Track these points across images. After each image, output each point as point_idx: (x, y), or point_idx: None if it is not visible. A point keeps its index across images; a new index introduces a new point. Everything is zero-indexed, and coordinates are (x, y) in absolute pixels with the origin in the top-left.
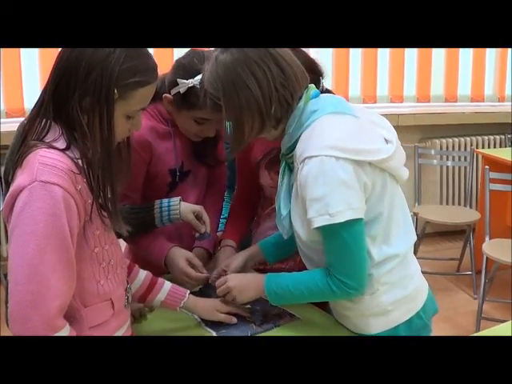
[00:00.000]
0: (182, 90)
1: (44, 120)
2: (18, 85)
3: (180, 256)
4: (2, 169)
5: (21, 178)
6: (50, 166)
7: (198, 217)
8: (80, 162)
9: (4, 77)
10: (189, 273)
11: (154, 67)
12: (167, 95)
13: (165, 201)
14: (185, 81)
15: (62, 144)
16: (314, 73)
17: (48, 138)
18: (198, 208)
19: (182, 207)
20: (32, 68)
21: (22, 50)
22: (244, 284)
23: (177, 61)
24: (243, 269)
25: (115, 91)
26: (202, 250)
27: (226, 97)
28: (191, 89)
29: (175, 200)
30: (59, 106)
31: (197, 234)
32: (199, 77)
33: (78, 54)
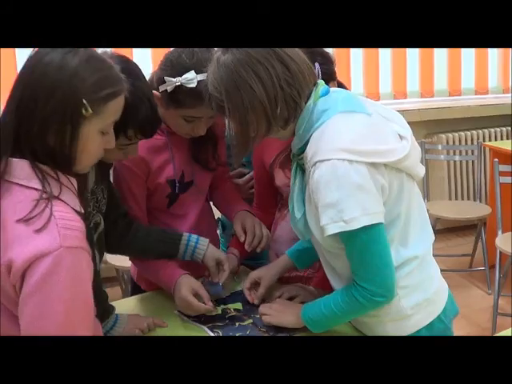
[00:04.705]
0: (169, 89)
1: (4, 157)
2: None
3: (185, 283)
4: None
5: (40, 242)
6: (71, 229)
7: (219, 265)
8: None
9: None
10: (190, 302)
11: (120, 77)
12: (156, 93)
13: (193, 238)
14: (172, 79)
15: (37, 184)
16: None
17: (18, 177)
18: (223, 257)
19: (208, 251)
20: None
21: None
22: (286, 308)
23: (165, 56)
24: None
25: (88, 109)
26: (233, 257)
27: (230, 99)
28: (179, 87)
29: (204, 241)
30: (23, 137)
31: (207, 280)
32: (187, 75)
33: (38, 79)
